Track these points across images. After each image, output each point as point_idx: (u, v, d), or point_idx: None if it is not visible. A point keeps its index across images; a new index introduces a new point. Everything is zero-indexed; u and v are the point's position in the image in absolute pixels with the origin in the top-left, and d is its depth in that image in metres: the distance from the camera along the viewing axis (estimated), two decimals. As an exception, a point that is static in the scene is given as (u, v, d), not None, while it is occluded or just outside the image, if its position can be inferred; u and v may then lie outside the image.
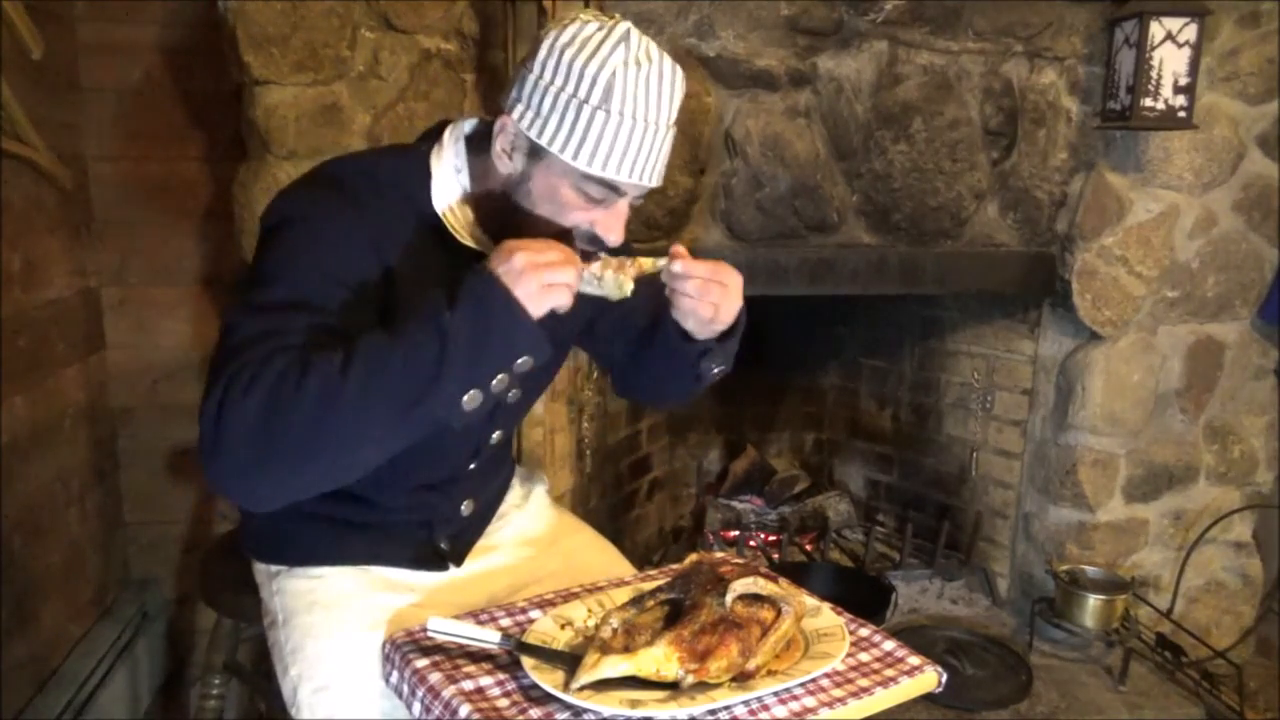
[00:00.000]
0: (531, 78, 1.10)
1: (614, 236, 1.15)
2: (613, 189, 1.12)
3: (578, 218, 1.14)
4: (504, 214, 1.15)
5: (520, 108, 1.11)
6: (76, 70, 2.12)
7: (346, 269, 1.08)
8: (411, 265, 1.13)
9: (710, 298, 1.15)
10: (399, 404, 0.97)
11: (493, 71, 1.95)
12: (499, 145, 1.14)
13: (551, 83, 1.08)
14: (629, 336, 1.41)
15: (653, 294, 1.21)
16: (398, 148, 1.26)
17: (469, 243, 1.18)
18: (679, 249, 1.15)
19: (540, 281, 1.00)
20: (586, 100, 1.06)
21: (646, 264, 1.13)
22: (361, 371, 0.96)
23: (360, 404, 0.96)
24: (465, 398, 0.99)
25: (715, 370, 1.29)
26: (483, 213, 1.18)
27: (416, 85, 1.91)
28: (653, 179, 1.13)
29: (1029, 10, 2.17)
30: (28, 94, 1.83)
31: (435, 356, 0.96)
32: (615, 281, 1.10)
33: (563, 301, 1.04)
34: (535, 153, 1.11)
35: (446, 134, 1.20)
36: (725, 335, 1.24)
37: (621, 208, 1.15)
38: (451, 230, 1.17)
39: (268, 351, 0.98)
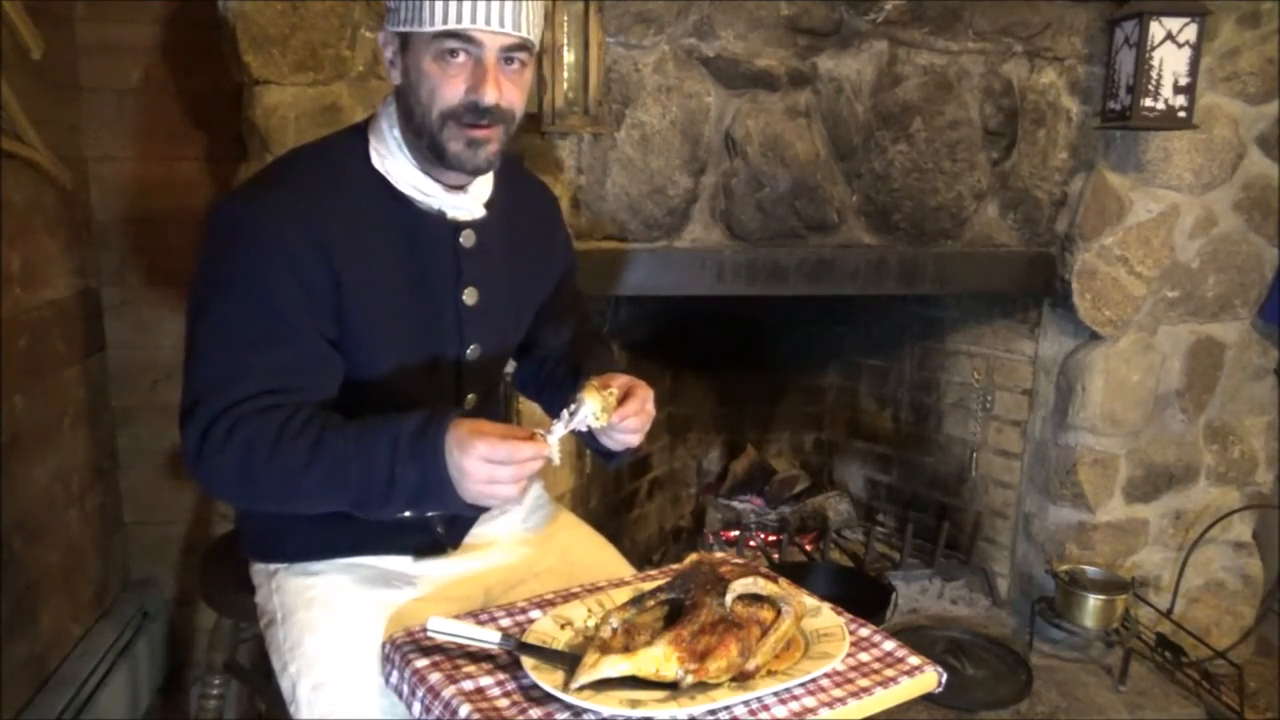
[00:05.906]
0: None
1: (489, 95, 1.15)
2: (467, 40, 1.14)
3: (452, 91, 1.16)
4: (423, 146, 1.20)
5: (386, 18, 1.19)
6: (76, 70, 2.11)
7: (298, 277, 1.14)
8: (365, 224, 1.21)
9: (645, 428, 1.24)
10: (350, 503, 1.11)
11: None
12: (385, 62, 1.21)
13: None
14: (541, 351, 1.51)
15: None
16: (346, 128, 1.34)
17: (408, 191, 1.24)
18: (622, 413, 1.19)
19: (483, 494, 1.07)
20: None
21: (596, 421, 1.17)
22: (320, 472, 1.09)
23: (317, 495, 1.11)
24: (407, 513, 1.13)
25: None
26: (414, 154, 1.24)
27: (416, 85, 1.91)
28: (503, 23, 1.14)
29: (1029, 10, 2.17)
30: (28, 94, 1.83)
31: (382, 488, 1.08)
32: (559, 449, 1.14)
33: (506, 500, 1.14)
34: (403, 45, 1.18)
35: (380, 104, 1.28)
36: None
37: (489, 63, 1.16)
38: (393, 182, 1.23)
39: (234, 412, 1.10)
